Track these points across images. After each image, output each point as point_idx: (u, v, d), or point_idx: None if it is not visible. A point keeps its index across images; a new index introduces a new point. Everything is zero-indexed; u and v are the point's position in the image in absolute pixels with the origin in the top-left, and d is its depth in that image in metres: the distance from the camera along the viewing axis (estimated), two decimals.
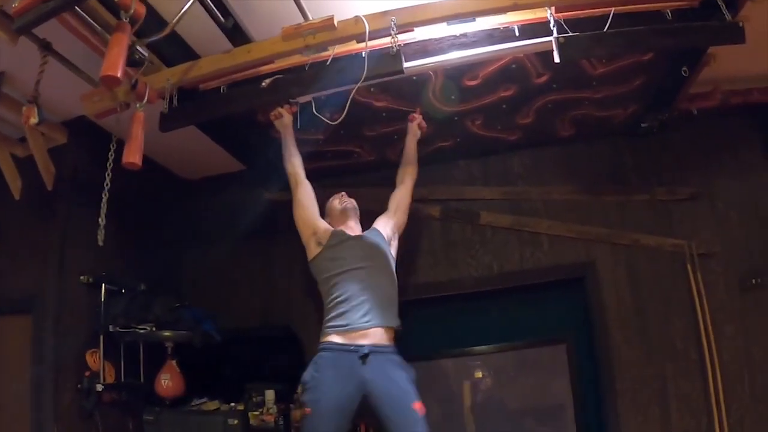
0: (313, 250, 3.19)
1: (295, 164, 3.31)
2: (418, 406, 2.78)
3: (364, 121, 3.65)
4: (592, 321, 3.99)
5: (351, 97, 2.88)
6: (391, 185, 3.58)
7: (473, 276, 4.16)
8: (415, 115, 3.55)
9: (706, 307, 3.79)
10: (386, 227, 3.35)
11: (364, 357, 2.82)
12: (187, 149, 4.12)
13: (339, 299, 2.97)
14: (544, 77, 3.38)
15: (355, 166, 4.22)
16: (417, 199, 3.77)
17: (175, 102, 2.99)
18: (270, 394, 3.79)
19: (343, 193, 3.47)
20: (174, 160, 4.43)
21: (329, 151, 3.96)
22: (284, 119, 3.31)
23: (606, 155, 4.20)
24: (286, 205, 4.22)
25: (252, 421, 3.72)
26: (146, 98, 2.79)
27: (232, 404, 3.85)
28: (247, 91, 2.99)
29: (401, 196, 3.48)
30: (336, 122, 2.97)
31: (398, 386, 2.84)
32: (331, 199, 3.44)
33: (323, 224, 3.27)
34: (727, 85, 3.82)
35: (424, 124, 3.57)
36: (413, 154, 3.56)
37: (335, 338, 2.90)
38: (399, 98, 3.46)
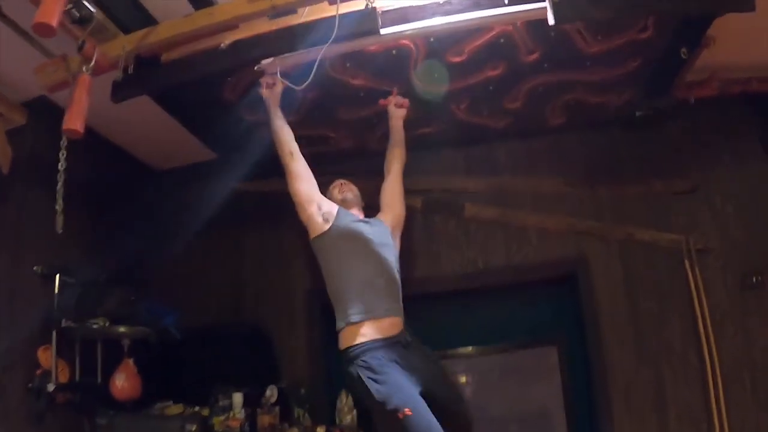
0: (319, 226, 2.86)
1: (289, 134, 3.03)
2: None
3: (340, 102, 3.43)
4: (584, 321, 3.81)
5: (319, 58, 2.61)
6: (372, 177, 3.34)
7: (456, 272, 3.96)
8: (390, 98, 3.30)
9: (706, 306, 3.65)
10: (386, 224, 3.09)
11: (407, 345, 2.73)
12: (156, 137, 3.95)
13: (359, 284, 2.77)
14: (534, 55, 3.16)
15: (331, 154, 3.98)
16: None
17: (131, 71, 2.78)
18: (238, 398, 3.57)
19: (342, 181, 3.17)
20: (143, 149, 4.23)
21: (302, 136, 3.66)
22: (276, 88, 3.03)
23: (599, 145, 4.04)
24: (257, 197, 4.06)
25: (217, 427, 3.48)
26: (94, 61, 2.57)
27: (196, 408, 3.59)
28: (205, 56, 2.74)
29: (391, 187, 3.21)
30: (301, 87, 2.69)
31: (437, 365, 2.92)
32: (330, 188, 3.14)
33: (326, 199, 2.99)
34: (725, 74, 3.68)
35: (402, 100, 3.30)
36: (400, 137, 3.31)
37: (371, 333, 2.65)
38: (377, 76, 3.23)
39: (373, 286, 2.74)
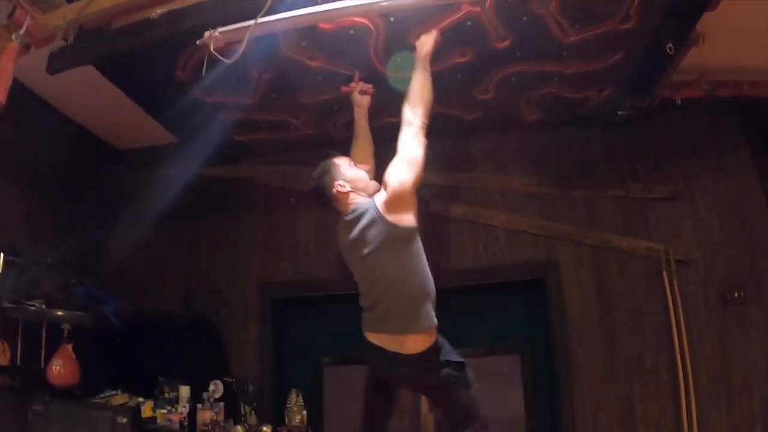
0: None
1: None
2: None
3: (298, 84, 3.25)
4: (552, 330, 3.66)
5: (254, 30, 2.42)
6: None
7: None
8: (353, 84, 3.08)
9: (682, 321, 3.51)
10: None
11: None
12: (119, 117, 3.82)
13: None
14: (506, 42, 2.97)
15: (294, 141, 3.84)
16: None
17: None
18: (184, 391, 3.48)
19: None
20: (106, 129, 4.12)
21: (263, 120, 3.58)
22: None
23: (576, 144, 3.88)
24: (217, 183, 3.90)
25: (159, 420, 3.38)
26: (24, 28, 2.44)
27: (140, 399, 3.47)
28: (140, 26, 2.58)
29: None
30: (231, 60, 2.49)
31: None
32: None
33: None
34: (715, 76, 3.53)
35: (366, 86, 3.08)
36: (365, 129, 3.09)
37: None
38: (335, 58, 3.04)
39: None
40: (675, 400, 3.42)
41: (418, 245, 2.61)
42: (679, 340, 3.47)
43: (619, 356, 3.53)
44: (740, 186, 3.70)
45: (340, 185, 2.70)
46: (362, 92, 3.08)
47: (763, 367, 3.46)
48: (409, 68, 2.94)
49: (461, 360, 2.57)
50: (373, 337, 2.62)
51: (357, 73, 3.07)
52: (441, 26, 2.81)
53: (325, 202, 2.77)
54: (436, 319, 2.53)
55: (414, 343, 2.50)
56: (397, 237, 2.52)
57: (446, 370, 2.53)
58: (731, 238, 3.63)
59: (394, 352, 2.52)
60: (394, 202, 2.52)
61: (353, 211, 2.64)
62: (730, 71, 3.53)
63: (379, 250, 2.52)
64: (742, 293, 3.54)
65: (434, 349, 2.52)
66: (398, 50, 2.97)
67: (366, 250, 2.55)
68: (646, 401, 3.48)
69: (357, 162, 2.88)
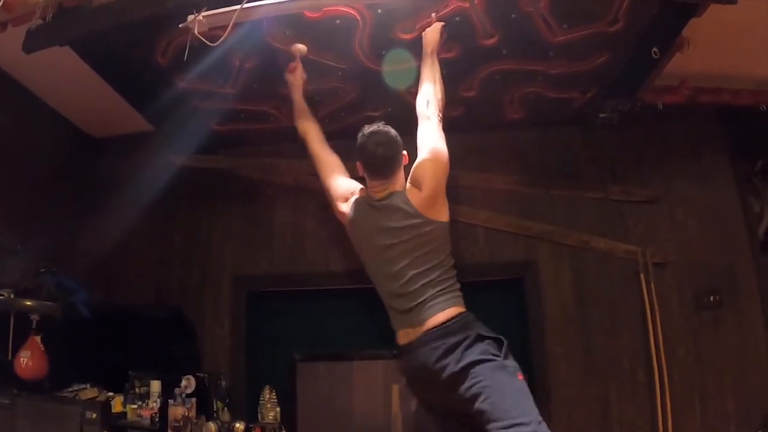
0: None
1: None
2: None
3: (281, 75, 3.15)
4: (529, 329, 3.64)
5: (242, 5, 2.36)
6: None
7: None
8: (294, 64, 3.00)
9: (658, 323, 3.52)
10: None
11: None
12: (95, 103, 3.71)
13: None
14: (493, 39, 2.93)
15: (274, 132, 3.76)
16: None
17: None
18: (155, 386, 3.36)
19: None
20: (81, 115, 4.00)
21: (243, 110, 3.51)
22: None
23: (558, 145, 3.87)
24: (193, 173, 3.83)
25: (130, 415, 3.30)
26: (2, 2, 2.41)
27: (110, 393, 3.40)
28: (119, 4, 2.53)
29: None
30: (216, 44, 2.43)
31: None
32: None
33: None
34: (697, 82, 3.54)
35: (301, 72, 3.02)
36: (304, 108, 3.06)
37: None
38: (320, 48, 2.98)
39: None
40: (651, 400, 3.43)
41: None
42: (654, 341, 3.48)
43: (596, 357, 3.53)
44: (718, 192, 3.73)
45: (405, 155, 2.69)
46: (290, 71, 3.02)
47: (736, 369, 3.50)
48: (403, 62, 2.93)
49: (499, 337, 2.37)
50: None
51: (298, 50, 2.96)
52: (442, 17, 2.76)
53: (384, 174, 2.64)
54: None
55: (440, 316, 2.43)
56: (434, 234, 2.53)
57: (481, 346, 2.31)
58: (708, 242, 3.66)
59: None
60: (432, 200, 2.52)
61: (388, 197, 2.60)
62: (712, 78, 3.54)
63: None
64: (717, 297, 3.58)
65: (461, 318, 2.44)
66: (384, 43, 2.93)
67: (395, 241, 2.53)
68: (622, 402, 3.48)
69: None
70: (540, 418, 2.11)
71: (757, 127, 3.84)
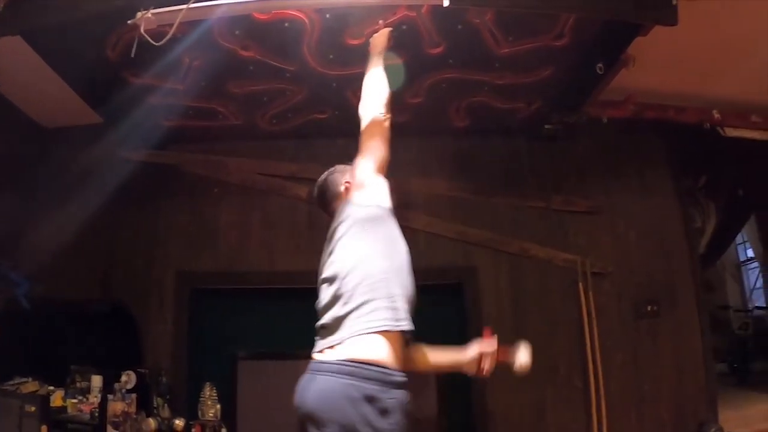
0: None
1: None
2: None
3: (229, 74, 3.19)
4: (468, 334, 3.55)
5: (189, 4, 2.36)
6: (262, 158, 3.26)
7: None
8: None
9: (596, 331, 3.60)
10: None
11: None
12: (45, 93, 3.60)
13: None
14: (439, 48, 3.01)
15: (221, 130, 3.76)
16: (284, 176, 3.37)
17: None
18: (96, 381, 3.37)
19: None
20: (29, 103, 3.87)
21: (191, 107, 3.51)
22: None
23: (502, 154, 3.94)
24: (142, 167, 3.80)
25: (70, 410, 3.26)
26: None
27: (51, 388, 3.34)
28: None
29: None
30: (160, 44, 2.43)
31: None
32: None
33: None
34: (642, 98, 3.64)
35: None
36: None
37: None
38: (268, 50, 3.01)
39: None
40: (586, 407, 3.50)
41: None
42: (591, 349, 3.56)
43: (533, 362, 3.54)
44: (659, 205, 3.83)
45: None
46: None
47: (672, 377, 3.62)
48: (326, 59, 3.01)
49: None
50: None
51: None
52: (389, 24, 2.75)
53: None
54: None
55: None
56: None
57: None
58: (648, 254, 3.76)
59: None
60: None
61: None
62: (658, 95, 3.63)
63: None
64: (655, 307, 3.69)
65: None
66: (333, 47, 2.98)
67: None
68: (558, 407, 3.55)
69: None
70: None
71: (700, 144, 3.96)
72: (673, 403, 3.60)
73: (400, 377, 1.78)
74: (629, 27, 2.78)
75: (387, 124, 2.41)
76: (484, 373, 2.25)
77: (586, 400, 3.51)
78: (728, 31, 3.06)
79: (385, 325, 1.80)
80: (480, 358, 2.22)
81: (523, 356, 2.28)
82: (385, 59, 2.78)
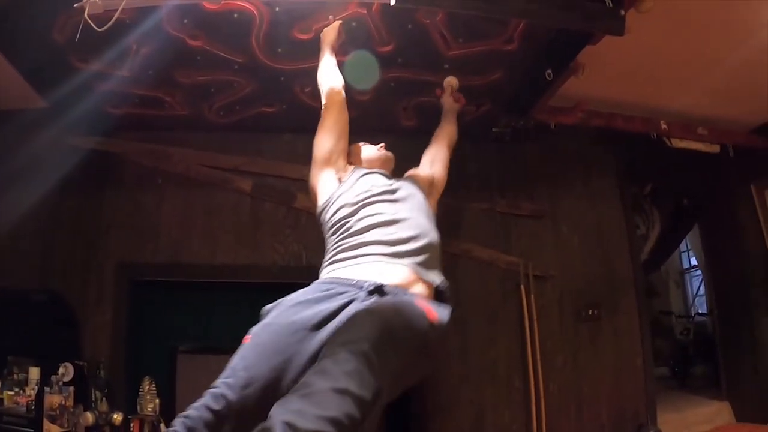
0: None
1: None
2: None
3: (176, 63, 3.13)
4: None
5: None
6: (207, 149, 3.29)
7: (278, 264, 3.70)
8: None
9: (536, 332, 3.64)
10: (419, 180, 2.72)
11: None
12: None
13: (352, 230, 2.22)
14: (388, 46, 3.00)
15: (167, 120, 3.68)
16: (228, 169, 3.38)
17: None
18: (34, 373, 3.28)
19: (383, 144, 2.80)
20: None
21: (137, 95, 3.42)
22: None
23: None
24: (85, 155, 3.72)
25: (6, 402, 3.20)
26: None
27: None
28: None
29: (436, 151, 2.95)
30: (103, 29, 2.39)
31: None
32: (361, 144, 2.77)
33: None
34: (591, 106, 3.66)
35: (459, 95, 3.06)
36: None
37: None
38: (216, 40, 2.96)
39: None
40: (526, 407, 3.54)
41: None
42: (532, 351, 3.60)
43: (473, 362, 3.61)
44: (603, 211, 3.91)
45: None
46: (456, 100, 3.05)
47: (612, 380, 3.69)
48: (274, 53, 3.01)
49: None
50: None
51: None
52: (324, 24, 2.76)
53: None
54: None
55: None
56: None
57: None
58: (590, 259, 3.82)
59: None
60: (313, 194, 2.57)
61: None
62: (607, 103, 3.67)
63: None
64: (596, 311, 3.75)
65: None
66: (281, 41, 2.95)
67: None
68: (497, 407, 3.57)
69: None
70: None
71: (647, 152, 4.03)
72: (613, 405, 3.67)
73: None
74: (579, 35, 2.80)
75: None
76: (462, 101, 3.02)
77: (526, 401, 3.55)
78: (683, 47, 3.13)
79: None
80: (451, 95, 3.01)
81: (450, 80, 3.04)
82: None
